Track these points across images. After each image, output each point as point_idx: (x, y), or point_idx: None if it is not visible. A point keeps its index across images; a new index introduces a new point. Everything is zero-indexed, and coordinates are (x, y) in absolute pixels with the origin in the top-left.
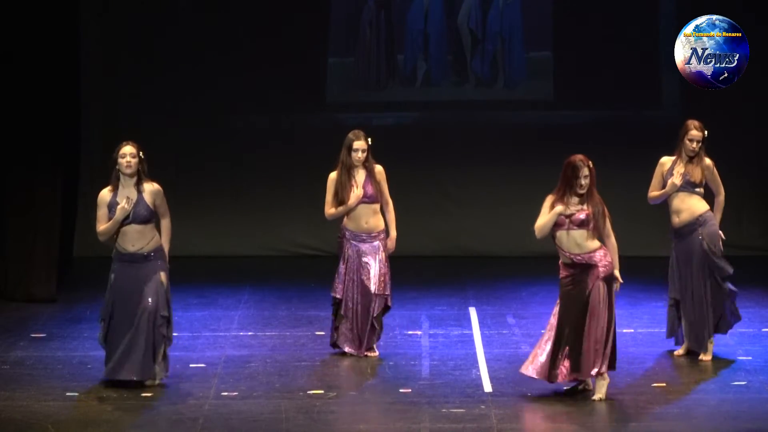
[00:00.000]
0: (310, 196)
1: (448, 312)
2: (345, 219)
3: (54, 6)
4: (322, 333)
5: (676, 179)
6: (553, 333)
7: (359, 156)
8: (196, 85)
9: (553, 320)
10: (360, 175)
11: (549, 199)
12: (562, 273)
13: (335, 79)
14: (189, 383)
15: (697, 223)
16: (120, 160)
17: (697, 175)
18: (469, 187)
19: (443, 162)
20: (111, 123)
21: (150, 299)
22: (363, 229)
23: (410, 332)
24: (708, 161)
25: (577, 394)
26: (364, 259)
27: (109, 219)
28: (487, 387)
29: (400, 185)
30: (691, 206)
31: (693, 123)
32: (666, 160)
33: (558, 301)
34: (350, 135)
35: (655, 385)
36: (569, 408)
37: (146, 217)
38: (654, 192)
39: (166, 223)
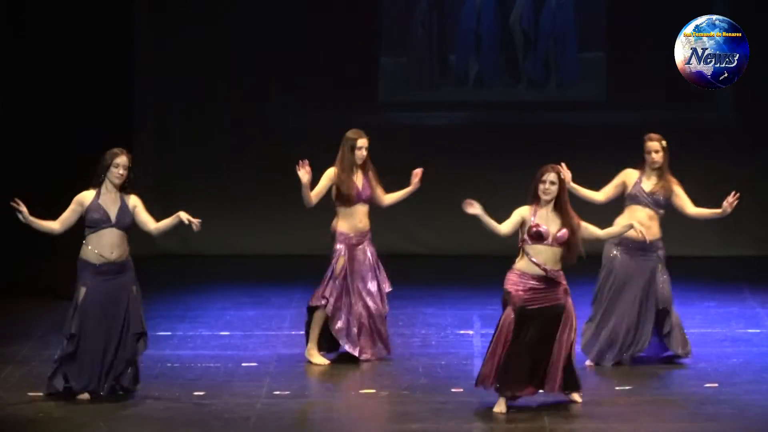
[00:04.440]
0: None
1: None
2: (337, 222)
3: (107, 11)
4: None
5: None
6: (506, 345)
7: (363, 153)
8: (248, 85)
9: (505, 333)
10: (358, 176)
11: (520, 209)
12: (524, 285)
13: (387, 79)
14: (241, 382)
15: (654, 246)
16: (112, 169)
17: (662, 192)
18: (521, 187)
19: (495, 162)
20: (162, 122)
21: (129, 315)
22: (357, 229)
23: (462, 332)
24: (673, 180)
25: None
26: (361, 270)
27: (89, 219)
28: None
29: (451, 185)
30: (653, 226)
31: (649, 135)
32: (631, 173)
33: (510, 313)
34: (351, 134)
35: (707, 385)
36: (620, 409)
37: (128, 224)
38: (600, 198)
39: (159, 225)
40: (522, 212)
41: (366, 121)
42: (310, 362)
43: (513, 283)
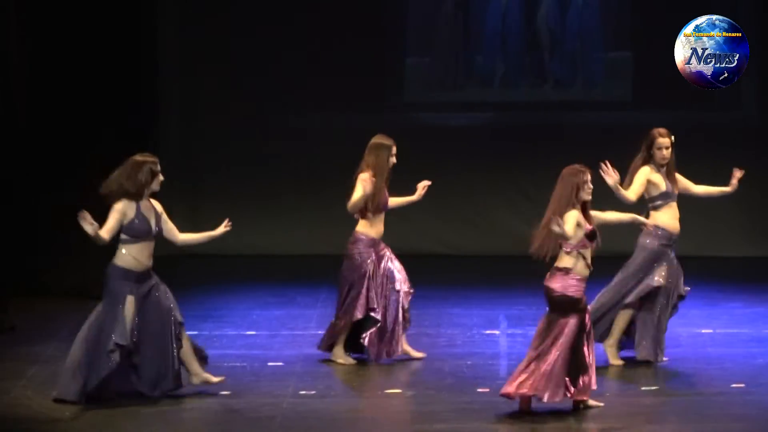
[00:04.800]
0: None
1: (526, 312)
2: (365, 227)
3: (132, 9)
4: None
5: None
6: (568, 353)
7: (395, 161)
8: (273, 85)
9: (573, 342)
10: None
11: (573, 213)
12: (582, 289)
13: (413, 79)
14: (267, 382)
15: (678, 238)
16: (158, 177)
17: (675, 185)
18: (548, 187)
19: (521, 162)
20: (189, 124)
21: (175, 312)
22: (381, 234)
23: (488, 332)
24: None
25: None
26: (388, 266)
27: (137, 230)
28: None
29: (476, 185)
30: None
31: (658, 131)
32: (652, 171)
33: (576, 319)
34: (386, 140)
35: (733, 385)
36: (647, 408)
37: (161, 232)
38: (633, 197)
39: (186, 236)
40: (576, 217)
41: (391, 121)
42: (335, 362)
43: (577, 288)
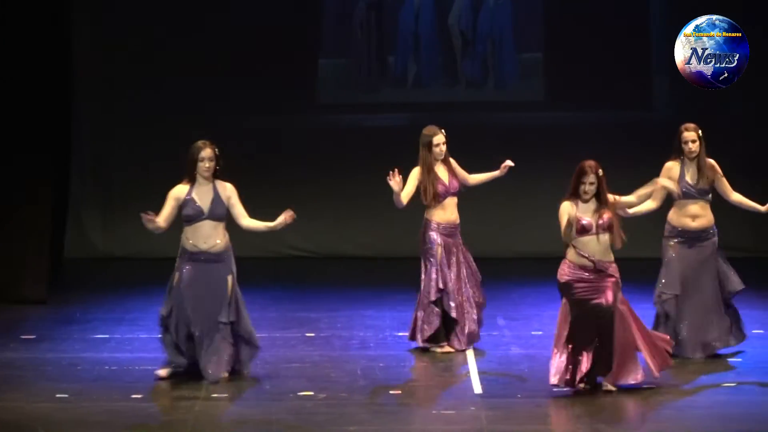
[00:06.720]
0: (301, 196)
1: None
2: (432, 212)
3: (45, 7)
4: (312, 334)
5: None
6: (568, 340)
7: (441, 150)
8: (186, 85)
9: (564, 328)
10: (441, 172)
11: (565, 206)
12: (574, 275)
13: (326, 81)
14: (179, 384)
15: (708, 234)
16: (199, 164)
17: (706, 181)
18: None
19: None
20: (102, 123)
21: (221, 305)
22: (450, 221)
23: (401, 333)
24: (710, 162)
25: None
26: (456, 261)
27: (184, 215)
28: (477, 388)
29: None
30: (708, 214)
31: (685, 125)
32: (672, 167)
33: (568, 307)
34: (427, 132)
35: (646, 386)
36: (559, 410)
37: (221, 215)
38: (655, 205)
39: (251, 222)
40: (567, 209)
41: (305, 122)
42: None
43: (564, 273)
